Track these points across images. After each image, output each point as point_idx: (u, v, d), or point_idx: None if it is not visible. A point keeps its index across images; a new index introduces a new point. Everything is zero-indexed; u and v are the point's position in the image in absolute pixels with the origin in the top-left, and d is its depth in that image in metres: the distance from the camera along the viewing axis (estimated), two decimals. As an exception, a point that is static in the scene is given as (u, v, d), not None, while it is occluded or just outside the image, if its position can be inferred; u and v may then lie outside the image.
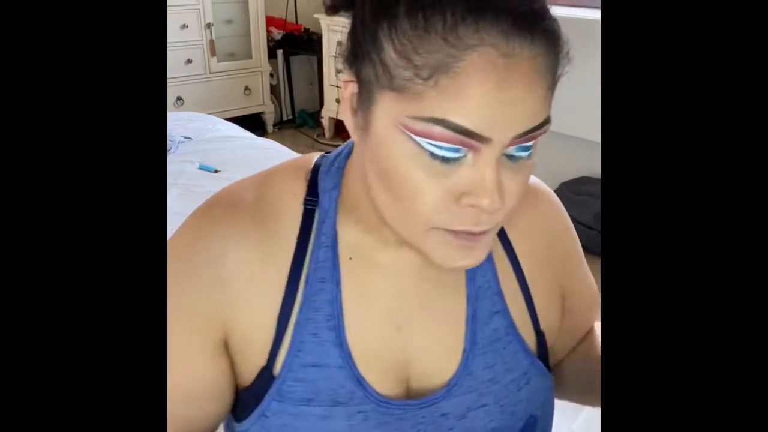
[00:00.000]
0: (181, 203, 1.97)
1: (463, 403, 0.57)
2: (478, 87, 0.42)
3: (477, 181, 0.45)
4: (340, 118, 0.51)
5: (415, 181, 0.45)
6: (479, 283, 0.59)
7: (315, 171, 0.58)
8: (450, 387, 0.57)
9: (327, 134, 3.97)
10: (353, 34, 0.47)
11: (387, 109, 0.45)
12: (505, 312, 0.59)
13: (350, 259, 0.56)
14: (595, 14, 2.37)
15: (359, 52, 0.46)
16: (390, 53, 0.44)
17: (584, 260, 0.69)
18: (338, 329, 0.55)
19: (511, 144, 0.44)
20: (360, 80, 0.47)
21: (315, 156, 0.61)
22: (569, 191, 2.53)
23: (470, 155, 0.44)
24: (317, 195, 0.57)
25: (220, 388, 0.57)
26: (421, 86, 0.43)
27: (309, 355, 0.54)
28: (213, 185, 2.13)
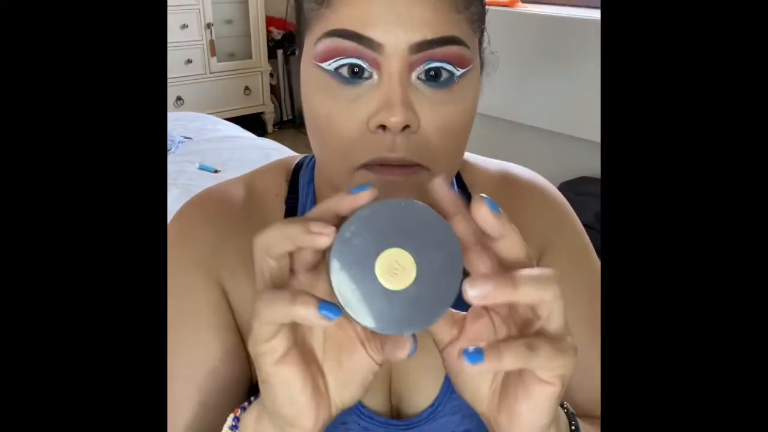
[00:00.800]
0: (181, 203, 1.96)
1: (447, 426, 0.55)
2: None
3: (383, 100, 0.44)
4: (305, 131, 0.54)
5: (326, 111, 0.46)
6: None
7: (296, 170, 0.59)
8: (435, 407, 0.55)
9: (327, 134, 3.97)
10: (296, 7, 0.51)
11: (306, 49, 0.48)
12: None
13: None
14: (595, 14, 2.37)
15: (297, 18, 0.50)
16: None
17: (580, 247, 0.63)
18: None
19: (414, 62, 0.44)
20: (298, 40, 0.50)
21: (298, 157, 0.61)
22: (569, 191, 2.53)
23: (375, 75, 0.45)
24: (297, 193, 0.57)
25: (232, 370, 0.54)
26: (319, 10, 0.45)
27: None
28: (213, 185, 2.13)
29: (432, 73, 0.45)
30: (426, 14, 0.44)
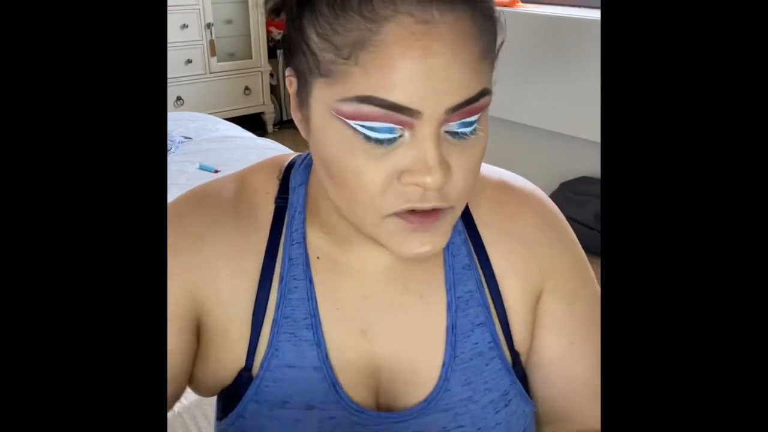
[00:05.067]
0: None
1: (438, 422, 0.54)
2: (399, 58, 0.41)
3: (417, 160, 0.43)
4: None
5: (354, 166, 0.44)
6: (459, 293, 0.56)
7: (288, 169, 0.58)
8: (428, 402, 0.54)
9: (327, 134, 3.97)
10: (287, 29, 0.48)
11: (320, 96, 0.45)
12: (489, 325, 0.56)
13: (317, 258, 0.56)
14: (595, 14, 2.37)
15: (292, 46, 0.47)
16: (314, 38, 0.44)
17: (582, 268, 0.61)
18: (315, 328, 0.54)
19: (448, 119, 0.43)
20: (297, 74, 0.47)
21: (292, 155, 0.61)
22: (569, 191, 2.53)
23: (407, 134, 0.43)
24: (288, 192, 0.57)
25: (180, 366, 0.54)
26: (344, 66, 0.42)
27: (286, 355, 0.53)
28: (213, 185, 2.13)
29: (463, 129, 0.45)
30: (464, 74, 0.42)
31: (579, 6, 2.52)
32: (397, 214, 0.46)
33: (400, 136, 0.43)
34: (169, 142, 2.39)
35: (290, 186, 0.57)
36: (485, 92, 0.44)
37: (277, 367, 0.53)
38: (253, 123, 3.77)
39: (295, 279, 0.54)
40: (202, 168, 2.24)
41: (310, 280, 0.55)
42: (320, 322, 0.54)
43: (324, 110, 0.45)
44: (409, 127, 0.43)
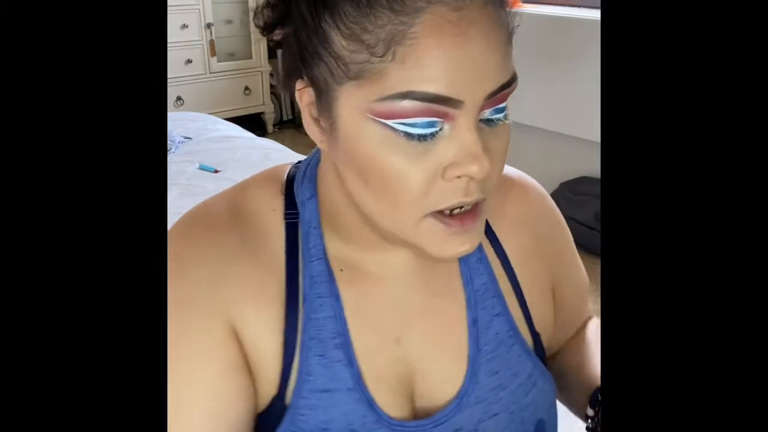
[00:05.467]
0: (181, 203, 1.97)
1: (474, 415, 0.54)
2: (437, 48, 0.40)
3: (461, 150, 0.43)
4: (305, 131, 0.49)
5: (396, 168, 0.43)
6: (476, 287, 0.57)
7: (289, 183, 0.55)
8: (460, 398, 0.54)
9: (327, 134, 3.96)
10: (296, 40, 0.46)
11: (350, 101, 0.43)
12: (505, 314, 0.57)
13: (341, 270, 0.54)
14: (595, 14, 2.37)
15: (306, 56, 0.45)
16: (339, 42, 0.42)
17: (575, 252, 0.67)
18: (346, 347, 0.52)
19: (485, 106, 0.43)
20: (314, 84, 0.45)
21: (285, 168, 0.58)
22: (569, 191, 2.53)
23: (446, 127, 0.43)
24: (296, 207, 0.54)
25: (249, 412, 0.51)
26: (379, 64, 0.41)
27: (319, 378, 0.51)
28: (213, 185, 2.13)
29: (496, 115, 0.44)
30: (498, 59, 0.42)
31: (579, 6, 2.52)
32: (435, 215, 0.45)
33: (440, 129, 0.42)
34: (169, 142, 2.39)
35: (298, 200, 0.54)
36: (515, 77, 0.44)
37: (310, 393, 0.51)
38: (253, 123, 3.77)
39: (320, 297, 0.52)
40: (202, 168, 2.24)
41: (337, 297, 0.52)
42: (350, 340, 0.52)
43: (356, 115, 0.43)
44: (450, 118, 0.42)
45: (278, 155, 2.40)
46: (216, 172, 2.21)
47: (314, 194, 0.54)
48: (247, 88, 3.86)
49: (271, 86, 4.04)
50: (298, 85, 0.47)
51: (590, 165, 2.53)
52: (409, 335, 0.55)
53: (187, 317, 0.50)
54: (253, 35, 3.79)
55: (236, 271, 0.51)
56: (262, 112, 4.03)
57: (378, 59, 0.41)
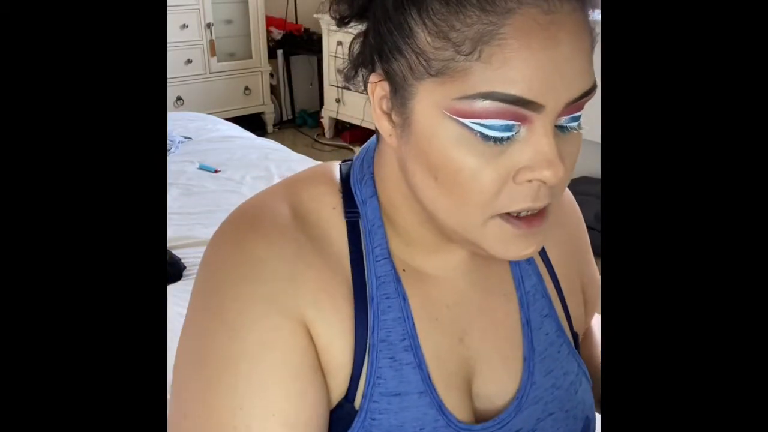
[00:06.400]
0: (181, 203, 1.97)
1: (533, 415, 0.54)
2: (525, 50, 0.40)
3: (536, 155, 0.42)
4: (373, 123, 0.48)
5: (469, 167, 0.43)
6: (527, 288, 0.57)
7: (345, 181, 0.54)
8: (519, 399, 0.54)
9: (327, 134, 3.97)
10: (375, 32, 0.46)
11: (428, 98, 0.43)
12: (553, 315, 0.58)
13: (404, 271, 0.53)
14: (595, 14, 2.36)
15: (385, 49, 0.45)
16: (424, 38, 0.42)
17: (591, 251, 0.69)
18: (415, 349, 0.51)
19: (563, 113, 0.42)
20: (390, 78, 0.45)
21: (332, 166, 0.56)
22: (569, 191, 2.53)
23: (522, 130, 0.42)
24: (355, 206, 0.53)
25: (324, 414, 0.49)
26: (464, 62, 0.41)
27: (389, 382, 0.50)
28: (213, 185, 2.14)
29: (571, 123, 0.44)
30: (582, 66, 0.42)
31: (579, 6, 2.52)
32: (502, 216, 0.45)
33: (517, 132, 0.42)
34: (169, 142, 2.39)
35: (357, 199, 0.53)
36: (596, 85, 0.43)
37: (381, 397, 0.50)
38: (253, 123, 3.78)
39: (387, 298, 0.51)
40: (202, 168, 2.24)
41: (404, 297, 0.52)
42: (419, 342, 0.51)
43: (434, 111, 0.43)
44: (528, 122, 0.42)
45: (278, 155, 2.41)
46: (216, 172, 2.21)
47: (374, 193, 0.53)
48: (247, 88, 3.87)
49: (271, 86, 4.04)
50: (373, 78, 0.47)
51: (590, 165, 2.53)
52: (471, 335, 0.55)
53: (265, 314, 0.48)
54: (253, 35, 3.79)
55: (309, 269, 0.50)
56: (262, 112, 4.03)
57: (463, 57, 0.41)
